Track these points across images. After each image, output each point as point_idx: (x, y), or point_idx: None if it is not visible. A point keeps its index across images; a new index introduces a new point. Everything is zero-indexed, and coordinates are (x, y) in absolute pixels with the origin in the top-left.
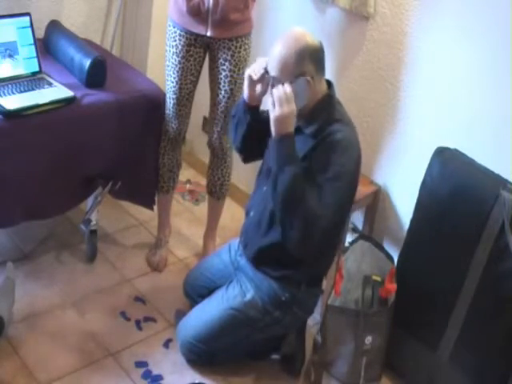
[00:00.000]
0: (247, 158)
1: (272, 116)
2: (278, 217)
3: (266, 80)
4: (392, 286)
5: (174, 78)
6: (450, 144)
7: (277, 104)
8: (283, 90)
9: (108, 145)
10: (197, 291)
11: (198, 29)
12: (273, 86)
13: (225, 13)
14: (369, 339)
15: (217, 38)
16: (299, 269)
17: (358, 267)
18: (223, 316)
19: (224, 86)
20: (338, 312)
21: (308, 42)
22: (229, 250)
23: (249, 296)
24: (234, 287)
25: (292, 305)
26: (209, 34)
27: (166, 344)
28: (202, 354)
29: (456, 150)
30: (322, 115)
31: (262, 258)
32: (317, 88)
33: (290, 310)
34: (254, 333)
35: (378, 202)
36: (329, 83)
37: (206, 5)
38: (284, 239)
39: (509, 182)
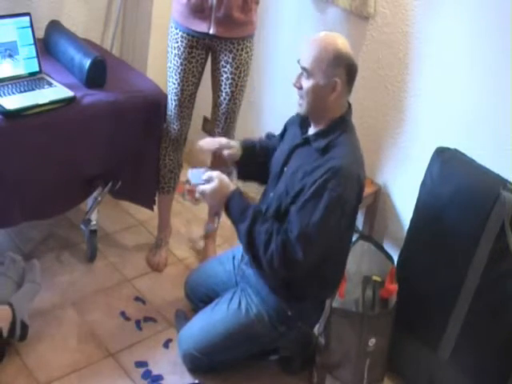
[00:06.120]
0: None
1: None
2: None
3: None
4: (393, 287)
5: (176, 79)
6: (450, 144)
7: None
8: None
9: (108, 145)
10: (198, 297)
11: (201, 27)
12: (301, 76)
13: (228, 10)
14: (372, 341)
15: (219, 36)
16: (306, 289)
17: (357, 267)
18: (228, 331)
19: (225, 88)
20: (342, 315)
21: (349, 52)
22: (232, 258)
23: (255, 310)
24: (238, 299)
25: (298, 320)
26: (211, 31)
27: (166, 344)
28: (203, 365)
29: (456, 150)
30: (332, 134)
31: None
32: (341, 100)
33: (295, 325)
34: (258, 346)
35: (378, 202)
36: (349, 105)
37: (210, 1)
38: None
39: (509, 182)
